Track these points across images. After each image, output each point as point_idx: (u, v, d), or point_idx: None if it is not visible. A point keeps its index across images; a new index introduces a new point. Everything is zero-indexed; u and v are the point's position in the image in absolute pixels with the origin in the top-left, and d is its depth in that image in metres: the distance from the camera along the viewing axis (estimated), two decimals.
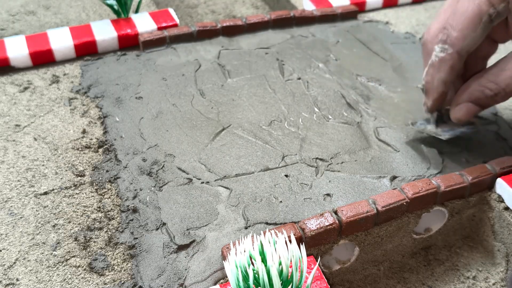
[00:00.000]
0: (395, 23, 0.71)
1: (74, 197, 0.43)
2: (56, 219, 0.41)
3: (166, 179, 0.44)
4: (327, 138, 0.49)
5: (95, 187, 0.44)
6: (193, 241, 0.39)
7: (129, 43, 0.61)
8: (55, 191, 0.43)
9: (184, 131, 0.49)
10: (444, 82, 0.44)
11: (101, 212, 0.42)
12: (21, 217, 0.41)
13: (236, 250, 0.30)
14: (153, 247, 0.39)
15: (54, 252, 0.39)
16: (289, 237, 0.36)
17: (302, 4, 0.74)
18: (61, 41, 0.58)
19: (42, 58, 0.58)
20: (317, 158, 0.47)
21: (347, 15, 0.69)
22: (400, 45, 0.65)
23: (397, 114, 0.53)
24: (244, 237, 0.32)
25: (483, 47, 0.45)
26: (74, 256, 0.39)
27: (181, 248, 0.39)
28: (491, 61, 0.46)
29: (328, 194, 0.43)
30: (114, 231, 0.41)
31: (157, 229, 0.40)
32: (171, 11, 0.66)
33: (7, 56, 0.56)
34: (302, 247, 0.31)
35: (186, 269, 0.37)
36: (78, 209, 0.42)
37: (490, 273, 0.44)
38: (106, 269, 0.38)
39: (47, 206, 0.42)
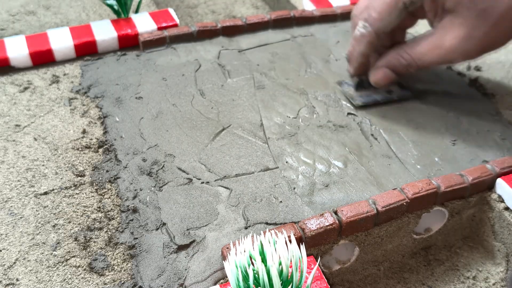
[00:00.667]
0: None
1: (74, 197, 0.43)
2: (56, 219, 0.41)
3: (166, 179, 0.44)
4: (327, 138, 0.49)
5: (95, 187, 0.44)
6: (193, 241, 0.39)
7: (129, 43, 0.61)
8: (55, 191, 0.43)
9: (184, 131, 0.49)
10: (363, 54, 0.51)
11: (101, 212, 0.42)
12: (21, 217, 0.41)
13: (236, 250, 0.30)
14: (153, 247, 0.39)
15: (54, 252, 0.39)
16: (289, 237, 0.36)
17: (302, 4, 0.74)
18: (61, 41, 0.58)
19: (42, 58, 0.58)
20: (317, 158, 0.47)
21: (347, 15, 0.69)
22: None
23: (397, 113, 0.53)
24: (244, 237, 0.32)
25: (404, 21, 0.51)
26: (74, 256, 0.39)
27: (181, 248, 0.39)
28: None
29: (327, 194, 0.43)
30: (114, 231, 0.41)
31: (157, 229, 0.40)
32: (171, 11, 0.66)
33: (7, 56, 0.56)
34: (302, 247, 0.31)
35: (186, 269, 0.37)
36: (78, 209, 0.42)
37: (490, 273, 0.44)
38: (106, 269, 0.38)
39: (47, 206, 0.42)
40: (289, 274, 0.30)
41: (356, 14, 0.51)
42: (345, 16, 0.69)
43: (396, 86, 0.55)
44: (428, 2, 0.46)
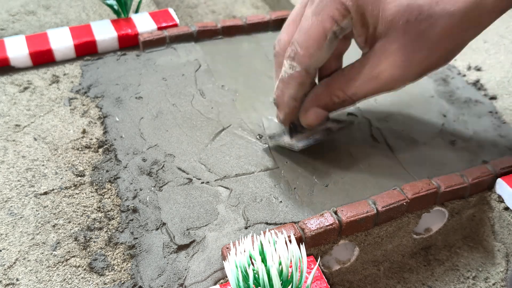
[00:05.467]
0: None
1: (74, 197, 0.43)
2: (56, 219, 0.41)
3: (166, 179, 0.44)
4: (327, 138, 0.49)
5: (95, 187, 0.44)
6: (193, 241, 0.39)
7: (129, 43, 0.61)
8: (55, 191, 0.43)
9: (184, 131, 0.49)
10: (294, 98, 0.43)
11: (101, 212, 0.42)
12: (21, 217, 0.41)
13: (236, 250, 0.30)
14: (153, 247, 0.39)
15: (54, 252, 0.39)
16: (289, 237, 0.36)
17: None
18: (61, 41, 0.58)
19: (42, 58, 0.58)
20: (317, 158, 0.47)
21: None
22: None
23: (397, 113, 0.53)
24: (244, 237, 0.32)
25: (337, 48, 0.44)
26: (74, 256, 0.39)
27: (181, 248, 0.39)
28: None
29: (327, 194, 0.43)
30: (114, 231, 0.41)
31: (157, 229, 0.40)
32: (171, 11, 0.66)
33: (7, 56, 0.56)
34: (302, 247, 0.31)
35: (186, 269, 0.37)
36: (78, 209, 0.42)
37: (490, 273, 0.44)
38: (106, 269, 0.38)
39: (47, 206, 0.42)
40: (289, 274, 0.30)
41: (280, 51, 0.44)
42: None
43: (330, 120, 0.48)
44: (358, 27, 0.39)
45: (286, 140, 0.47)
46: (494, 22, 0.39)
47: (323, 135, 0.47)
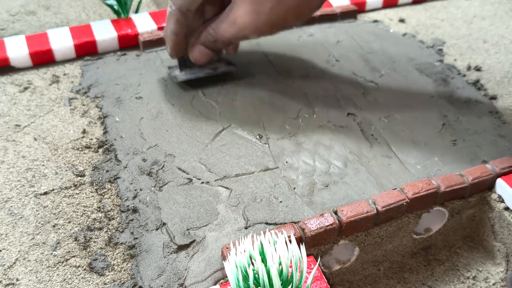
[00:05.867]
0: (395, 23, 0.71)
1: (74, 197, 0.43)
2: (56, 219, 0.41)
3: (166, 179, 0.44)
4: (327, 138, 0.49)
5: (95, 187, 0.44)
6: (193, 241, 0.39)
7: (129, 43, 0.61)
8: (55, 191, 0.43)
9: (184, 131, 0.49)
10: (174, 33, 0.50)
11: (101, 212, 0.42)
12: (21, 217, 0.41)
13: (236, 250, 0.30)
14: (153, 247, 0.39)
15: (54, 252, 0.39)
16: (289, 237, 0.36)
17: None
18: (61, 41, 0.58)
19: (42, 58, 0.58)
20: (317, 158, 0.47)
21: (347, 15, 0.69)
22: (400, 45, 0.65)
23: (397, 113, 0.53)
24: (244, 237, 0.32)
25: None
26: (74, 256, 0.39)
27: (181, 248, 0.39)
28: None
29: (327, 194, 0.43)
30: (114, 231, 0.41)
31: (157, 229, 0.40)
32: None
33: (7, 56, 0.56)
34: (302, 247, 0.31)
35: (186, 269, 0.37)
36: (78, 209, 0.42)
37: (490, 273, 0.44)
38: (106, 269, 0.38)
39: (47, 206, 0.42)
40: (289, 274, 0.30)
41: None
42: (345, 16, 0.69)
43: (222, 62, 0.56)
44: None
45: (176, 72, 0.54)
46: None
47: (207, 73, 0.54)
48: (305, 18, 0.48)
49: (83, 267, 0.38)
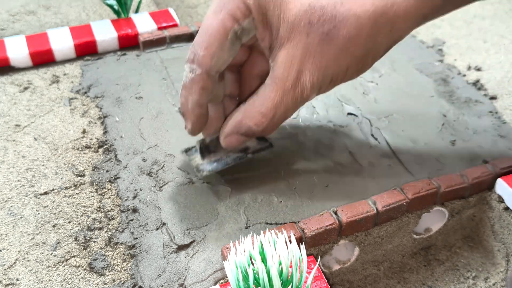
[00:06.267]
0: None
1: (74, 197, 0.43)
2: (56, 219, 0.41)
3: (166, 179, 0.44)
4: (328, 138, 0.49)
5: (95, 187, 0.44)
6: (193, 241, 0.39)
7: (129, 43, 0.61)
8: (55, 191, 0.43)
9: (184, 131, 0.49)
10: (200, 105, 0.39)
11: (101, 212, 0.42)
12: (21, 217, 0.41)
13: (236, 250, 0.30)
14: (153, 247, 0.39)
15: (54, 252, 0.39)
16: (289, 237, 0.36)
17: None
18: (61, 41, 0.58)
19: (42, 58, 0.58)
20: (317, 158, 0.47)
21: None
22: (400, 45, 0.65)
23: (396, 114, 0.53)
24: (244, 237, 0.32)
25: (256, 64, 0.41)
26: (74, 256, 0.39)
27: (181, 248, 0.39)
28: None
29: (327, 193, 0.43)
30: (114, 231, 0.41)
31: (157, 229, 0.40)
32: (171, 11, 0.66)
33: (7, 56, 0.56)
34: (302, 247, 0.31)
35: (186, 269, 0.37)
36: (78, 209, 0.42)
37: (490, 273, 0.44)
38: (106, 269, 0.38)
39: (47, 206, 0.42)
40: (289, 274, 0.30)
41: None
42: None
43: (253, 140, 0.44)
44: (260, 28, 0.36)
45: (197, 159, 0.43)
46: (415, 29, 0.36)
47: (234, 159, 0.42)
48: (364, 71, 0.38)
49: (83, 267, 0.38)
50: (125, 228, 0.41)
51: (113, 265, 0.38)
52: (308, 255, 0.38)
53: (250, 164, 0.46)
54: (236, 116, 0.39)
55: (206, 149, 0.42)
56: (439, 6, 0.36)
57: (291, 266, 0.30)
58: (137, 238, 0.40)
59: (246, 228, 0.40)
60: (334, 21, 0.34)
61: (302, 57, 0.35)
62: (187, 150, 0.45)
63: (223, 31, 0.36)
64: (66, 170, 0.45)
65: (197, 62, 0.37)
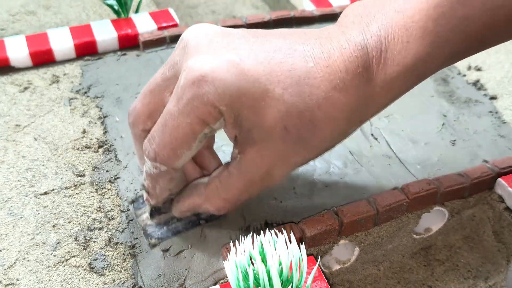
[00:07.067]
0: None
1: (74, 197, 0.43)
2: (56, 219, 0.41)
3: None
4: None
5: (95, 187, 0.44)
6: (193, 241, 0.39)
7: (129, 43, 0.61)
8: (55, 191, 0.43)
9: None
10: (168, 189, 0.37)
11: (101, 212, 0.42)
12: (21, 217, 0.41)
13: (236, 250, 0.30)
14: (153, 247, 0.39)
15: (54, 252, 0.39)
16: (289, 237, 0.36)
17: (302, 4, 0.74)
18: (61, 41, 0.58)
19: (42, 58, 0.57)
20: (317, 158, 0.47)
21: None
22: None
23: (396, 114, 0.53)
24: (244, 237, 0.32)
25: (211, 138, 0.40)
26: (74, 256, 0.39)
27: (181, 248, 0.39)
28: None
29: (327, 193, 0.43)
30: (114, 231, 0.41)
31: None
32: (171, 11, 0.66)
33: (7, 56, 0.56)
34: (302, 247, 0.31)
35: (186, 269, 0.37)
36: (78, 209, 0.42)
37: (490, 273, 0.44)
38: (106, 269, 0.38)
39: (47, 206, 0.42)
40: (289, 274, 0.30)
41: (134, 122, 0.37)
42: None
43: None
44: (230, 128, 0.34)
45: (144, 217, 0.41)
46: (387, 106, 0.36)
47: (188, 225, 0.40)
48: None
49: (83, 267, 0.38)
50: (125, 228, 0.41)
51: (113, 265, 0.38)
52: (308, 255, 0.38)
53: None
54: (196, 200, 0.37)
55: (156, 210, 0.40)
56: (420, 77, 0.36)
57: (291, 266, 0.30)
58: (137, 238, 0.40)
59: (246, 228, 0.40)
60: (312, 127, 0.33)
61: (274, 159, 0.34)
62: (133, 201, 0.42)
63: (192, 135, 0.33)
64: (66, 170, 0.45)
65: (161, 161, 0.35)
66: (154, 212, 0.40)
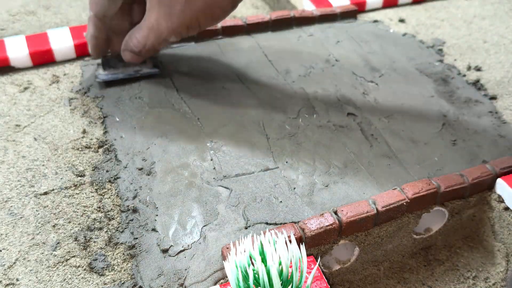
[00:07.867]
0: (395, 23, 0.71)
1: (74, 197, 0.43)
2: (56, 219, 0.41)
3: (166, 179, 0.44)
4: (327, 138, 0.49)
5: (95, 187, 0.44)
6: (193, 241, 0.39)
7: None
8: (55, 191, 0.43)
9: (184, 132, 0.49)
10: (94, 36, 0.52)
11: (101, 212, 0.42)
12: (21, 217, 0.41)
13: (236, 250, 0.30)
14: (153, 247, 0.39)
15: (54, 252, 0.39)
16: (289, 237, 0.36)
17: (302, 4, 0.74)
18: (61, 41, 0.58)
19: (42, 58, 0.57)
20: (317, 158, 0.47)
21: (347, 15, 0.69)
22: (400, 45, 0.65)
23: (396, 114, 0.53)
24: (244, 237, 0.32)
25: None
26: (74, 256, 0.39)
27: (181, 248, 0.39)
28: None
29: (327, 194, 0.43)
30: (114, 231, 0.41)
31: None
32: None
33: (7, 56, 0.56)
34: (302, 247, 0.31)
35: (186, 269, 0.37)
36: (78, 209, 0.42)
37: (490, 273, 0.44)
38: (106, 269, 0.38)
39: (47, 206, 0.42)
40: (289, 274, 0.30)
41: None
42: (345, 16, 0.69)
43: (147, 64, 0.56)
44: None
45: (98, 70, 0.55)
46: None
47: (126, 75, 0.55)
48: (220, 19, 0.50)
49: (83, 267, 0.38)
50: (125, 228, 0.41)
51: (113, 265, 0.38)
52: (308, 255, 0.38)
53: (250, 163, 0.46)
54: (126, 37, 0.52)
55: (106, 63, 0.55)
56: None
57: (291, 266, 0.30)
58: (137, 238, 0.40)
59: (246, 228, 0.40)
60: None
61: (158, 16, 0.48)
62: (98, 64, 0.56)
63: None
64: (66, 170, 0.45)
65: (89, 7, 0.50)
66: (105, 64, 0.55)
